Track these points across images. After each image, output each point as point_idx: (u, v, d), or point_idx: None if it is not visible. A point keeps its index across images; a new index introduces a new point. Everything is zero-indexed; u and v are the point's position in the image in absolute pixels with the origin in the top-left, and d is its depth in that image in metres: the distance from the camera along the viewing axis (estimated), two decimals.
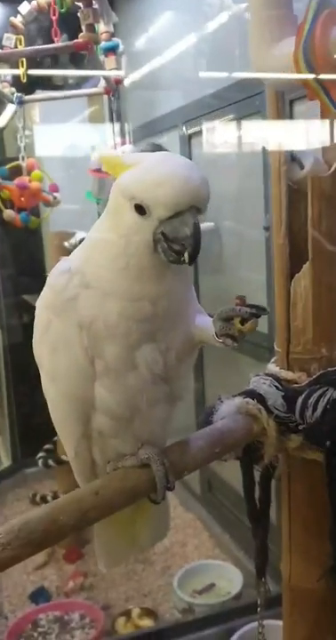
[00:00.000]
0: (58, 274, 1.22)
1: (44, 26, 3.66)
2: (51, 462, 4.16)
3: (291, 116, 2.50)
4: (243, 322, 1.22)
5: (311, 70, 1.28)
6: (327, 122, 1.46)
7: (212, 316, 1.28)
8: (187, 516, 4.34)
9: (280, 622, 1.73)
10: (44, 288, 1.25)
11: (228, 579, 3.62)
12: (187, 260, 1.12)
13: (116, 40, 3.46)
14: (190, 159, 4.18)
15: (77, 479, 1.36)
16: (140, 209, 1.12)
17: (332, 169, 1.49)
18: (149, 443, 1.25)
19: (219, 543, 4.11)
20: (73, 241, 3.68)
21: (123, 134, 4.29)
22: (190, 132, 4.15)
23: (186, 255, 1.11)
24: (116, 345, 1.18)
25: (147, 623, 3.30)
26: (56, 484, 4.36)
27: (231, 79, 3.49)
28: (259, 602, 1.81)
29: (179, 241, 1.11)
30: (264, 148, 3.20)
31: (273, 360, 1.60)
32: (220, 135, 3.82)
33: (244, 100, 3.34)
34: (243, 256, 3.76)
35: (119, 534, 1.43)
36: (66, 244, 3.69)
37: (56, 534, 1.11)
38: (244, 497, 1.70)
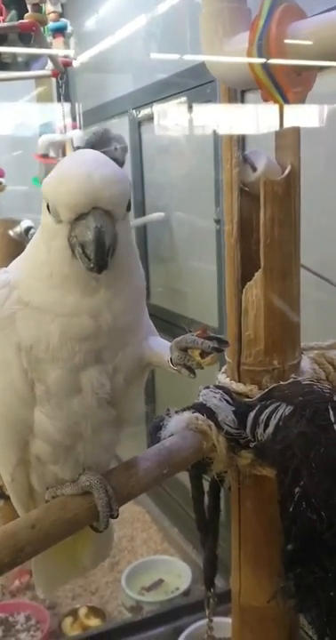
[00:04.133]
0: None
1: None
2: None
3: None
4: (202, 354, 1.13)
5: (266, 69, 1.20)
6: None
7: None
8: (135, 509, 4.27)
9: (229, 619, 1.68)
10: None
11: (177, 574, 3.58)
12: (93, 268, 1.01)
13: (63, 21, 3.35)
14: (140, 145, 4.06)
15: (15, 505, 1.27)
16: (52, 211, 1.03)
17: (286, 172, 1.42)
18: (92, 468, 1.16)
19: (167, 537, 4.06)
20: (18, 229, 3.52)
21: (73, 116, 4.16)
22: (140, 117, 4.05)
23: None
24: (59, 368, 1.08)
25: (94, 623, 3.22)
26: None
27: (182, 65, 3.40)
28: (207, 613, 1.76)
29: (86, 246, 1.00)
30: (215, 137, 3.14)
31: (223, 370, 1.53)
32: (171, 121, 3.74)
33: (195, 88, 3.27)
34: (193, 246, 3.69)
35: (59, 558, 1.34)
36: (11, 232, 3.53)
37: None
38: (193, 507, 1.64)
